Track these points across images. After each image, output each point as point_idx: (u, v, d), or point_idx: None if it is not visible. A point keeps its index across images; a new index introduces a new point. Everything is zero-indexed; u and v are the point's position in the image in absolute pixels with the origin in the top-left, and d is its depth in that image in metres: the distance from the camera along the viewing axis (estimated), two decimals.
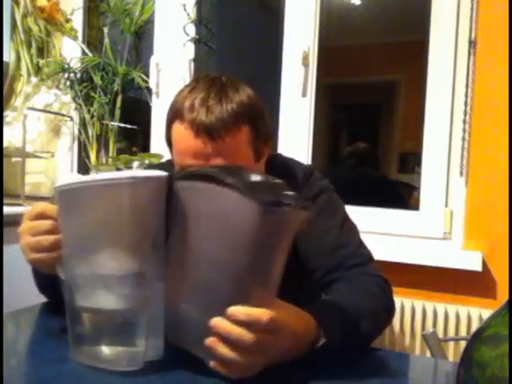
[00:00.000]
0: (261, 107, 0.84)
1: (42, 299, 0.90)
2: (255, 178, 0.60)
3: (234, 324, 0.55)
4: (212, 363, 0.57)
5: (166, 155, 1.05)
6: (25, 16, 1.90)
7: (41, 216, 0.68)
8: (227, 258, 0.57)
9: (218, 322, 0.56)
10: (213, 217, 0.58)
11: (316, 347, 0.63)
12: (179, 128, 0.79)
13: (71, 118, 1.96)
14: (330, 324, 0.65)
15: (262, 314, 0.55)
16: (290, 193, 0.58)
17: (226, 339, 0.55)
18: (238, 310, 0.55)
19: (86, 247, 0.62)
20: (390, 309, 0.83)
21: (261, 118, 0.83)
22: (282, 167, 0.94)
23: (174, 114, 0.81)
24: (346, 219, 0.93)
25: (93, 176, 0.63)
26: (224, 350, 0.55)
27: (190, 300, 0.61)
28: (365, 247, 0.91)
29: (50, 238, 0.66)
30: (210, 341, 0.56)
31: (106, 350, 0.63)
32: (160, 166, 0.99)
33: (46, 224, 0.67)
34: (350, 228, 0.92)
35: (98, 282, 0.61)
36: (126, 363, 0.62)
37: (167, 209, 0.62)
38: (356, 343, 0.70)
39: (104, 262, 0.60)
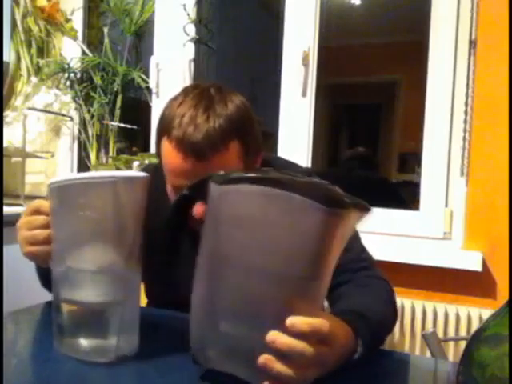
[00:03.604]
0: (251, 118, 0.83)
1: (42, 299, 0.90)
2: (305, 178, 0.55)
3: (293, 337, 0.51)
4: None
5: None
6: (25, 16, 1.90)
7: (36, 211, 0.72)
8: (282, 267, 0.51)
9: (276, 336, 0.51)
10: (266, 222, 0.52)
11: (354, 358, 0.63)
12: (167, 147, 0.79)
13: (71, 118, 1.96)
14: (365, 335, 0.65)
15: (322, 323, 0.52)
16: (345, 193, 0.53)
17: (285, 355, 0.51)
18: (300, 320, 0.51)
19: (69, 242, 0.65)
20: (396, 315, 0.83)
21: (250, 130, 0.83)
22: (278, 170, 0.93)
23: (162, 130, 0.80)
24: None
25: (81, 174, 0.64)
26: (283, 368, 0.51)
27: (233, 315, 0.54)
28: (367, 251, 0.91)
29: (44, 232, 0.69)
30: (266, 359, 0.51)
31: (83, 342, 0.65)
32: (144, 170, 0.99)
33: (40, 219, 0.71)
34: (352, 233, 0.92)
35: (77, 276, 0.64)
36: (98, 356, 0.64)
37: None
38: (377, 351, 0.71)
39: (84, 256, 0.63)
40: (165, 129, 0.80)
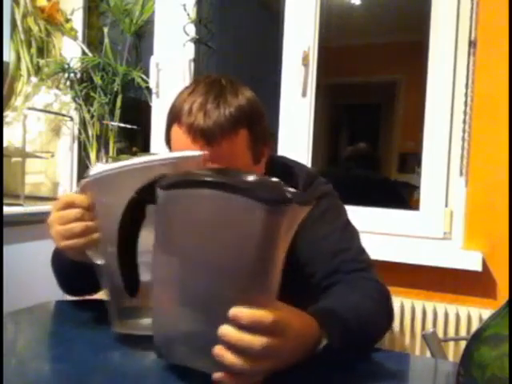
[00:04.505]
0: (260, 110, 0.84)
1: (42, 299, 0.90)
2: (251, 178, 0.58)
3: (240, 329, 0.53)
4: (218, 375, 0.55)
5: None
6: (25, 16, 1.90)
7: (69, 205, 0.72)
8: (229, 264, 0.54)
9: (226, 330, 0.54)
10: (212, 224, 0.55)
11: (318, 349, 0.63)
12: (177, 132, 0.80)
13: (71, 118, 1.96)
14: (331, 325, 0.65)
15: (265, 314, 0.54)
16: (291, 189, 0.56)
17: (234, 347, 0.53)
18: (241, 312, 0.54)
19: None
20: (389, 315, 0.82)
21: (260, 122, 0.84)
22: (283, 169, 0.93)
23: (173, 117, 0.81)
24: (347, 224, 0.92)
25: (123, 162, 0.67)
26: (234, 359, 0.53)
27: (188, 312, 0.58)
28: (365, 253, 0.90)
29: (80, 224, 0.70)
30: (218, 349, 0.54)
31: (146, 320, 0.67)
32: None
33: (74, 212, 0.71)
34: (351, 233, 0.91)
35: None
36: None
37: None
38: (356, 345, 0.70)
39: (143, 240, 0.63)
40: (175, 116, 0.80)
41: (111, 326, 0.71)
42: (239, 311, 0.54)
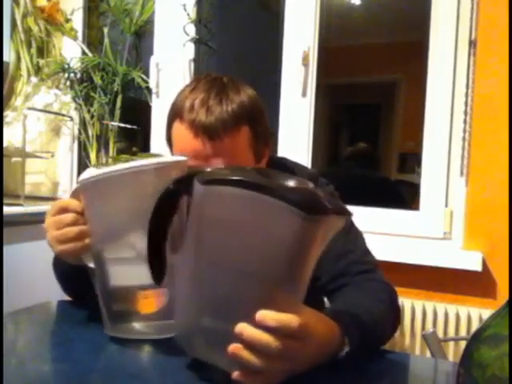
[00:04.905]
0: (261, 108, 0.85)
1: (42, 299, 0.90)
2: (291, 182, 0.57)
3: (261, 330, 0.52)
4: (236, 373, 0.54)
5: (167, 155, 1.05)
6: (25, 16, 1.90)
7: (63, 210, 0.72)
8: (258, 267, 0.53)
9: (244, 328, 0.53)
10: (246, 224, 0.53)
11: (339, 355, 0.63)
12: (179, 128, 0.79)
13: (71, 118, 1.96)
14: (353, 333, 0.65)
15: (292, 319, 0.53)
16: (327, 198, 0.54)
17: (251, 346, 0.52)
18: (268, 316, 0.52)
19: (114, 233, 0.67)
20: (397, 316, 0.82)
21: (261, 119, 0.84)
22: (284, 170, 0.93)
23: (175, 114, 0.81)
24: (351, 226, 0.92)
25: (112, 167, 0.67)
26: (250, 358, 0.52)
27: (212, 311, 0.56)
28: (371, 254, 0.90)
29: (75, 229, 0.71)
30: (234, 347, 0.53)
31: (137, 325, 0.69)
32: None
33: (69, 217, 0.71)
34: (355, 234, 0.91)
35: (128, 262, 0.66)
36: (156, 333, 0.68)
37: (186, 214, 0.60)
38: (370, 348, 0.70)
39: (133, 244, 0.65)
40: (177, 113, 0.80)
41: (104, 329, 0.72)
42: (266, 314, 0.52)
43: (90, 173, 0.67)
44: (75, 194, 0.73)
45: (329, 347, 0.61)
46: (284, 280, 0.54)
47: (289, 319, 0.53)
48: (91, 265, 0.72)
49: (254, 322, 0.53)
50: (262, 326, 0.52)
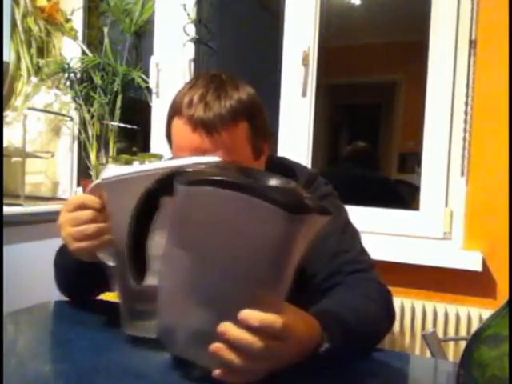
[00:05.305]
0: (260, 105, 0.85)
1: (42, 299, 0.90)
2: (273, 181, 0.57)
3: (244, 330, 0.53)
4: (216, 371, 0.54)
5: (167, 155, 1.05)
6: (25, 16, 1.90)
7: (80, 207, 0.71)
8: (241, 266, 0.53)
9: (227, 327, 0.53)
10: (229, 224, 0.53)
11: (319, 351, 0.63)
12: (178, 123, 0.80)
13: (71, 118, 1.96)
14: (333, 329, 0.65)
15: (275, 319, 0.53)
16: (311, 197, 0.55)
17: (234, 346, 0.53)
18: (251, 315, 0.53)
19: None
20: (390, 316, 0.82)
21: (260, 116, 0.84)
22: (284, 170, 0.93)
23: (174, 110, 0.82)
24: (348, 225, 0.92)
25: (137, 167, 0.65)
26: (231, 356, 0.53)
27: (194, 307, 0.57)
28: (366, 254, 0.89)
29: (92, 226, 0.69)
30: (215, 347, 0.53)
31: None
32: None
33: (87, 214, 0.70)
34: (352, 234, 0.91)
35: (155, 260, 0.63)
36: None
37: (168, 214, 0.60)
38: (357, 346, 0.70)
39: (158, 242, 0.62)
40: (176, 109, 0.81)
41: (122, 328, 0.71)
42: (249, 314, 0.53)
43: (112, 171, 0.67)
44: (93, 191, 0.71)
45: (309, 344, 0.61)
46: (267, 279, 0.54)
47: (272, 320, 0.53)
48: (110, 263, 0.70)
49: (238, 321, 0.53)
50: (245, 326, 0.53)
